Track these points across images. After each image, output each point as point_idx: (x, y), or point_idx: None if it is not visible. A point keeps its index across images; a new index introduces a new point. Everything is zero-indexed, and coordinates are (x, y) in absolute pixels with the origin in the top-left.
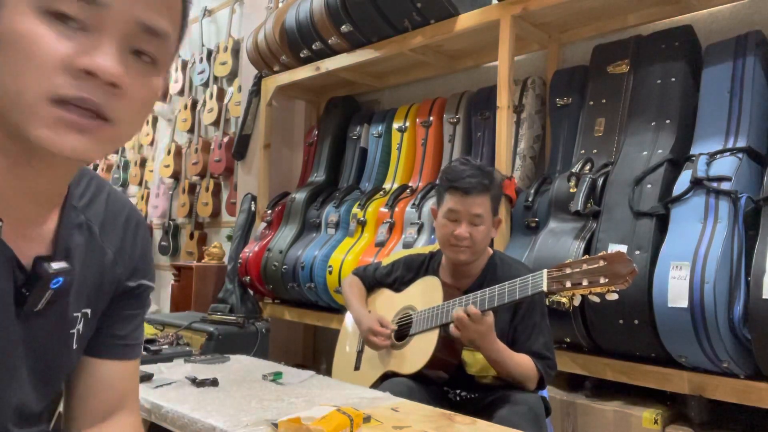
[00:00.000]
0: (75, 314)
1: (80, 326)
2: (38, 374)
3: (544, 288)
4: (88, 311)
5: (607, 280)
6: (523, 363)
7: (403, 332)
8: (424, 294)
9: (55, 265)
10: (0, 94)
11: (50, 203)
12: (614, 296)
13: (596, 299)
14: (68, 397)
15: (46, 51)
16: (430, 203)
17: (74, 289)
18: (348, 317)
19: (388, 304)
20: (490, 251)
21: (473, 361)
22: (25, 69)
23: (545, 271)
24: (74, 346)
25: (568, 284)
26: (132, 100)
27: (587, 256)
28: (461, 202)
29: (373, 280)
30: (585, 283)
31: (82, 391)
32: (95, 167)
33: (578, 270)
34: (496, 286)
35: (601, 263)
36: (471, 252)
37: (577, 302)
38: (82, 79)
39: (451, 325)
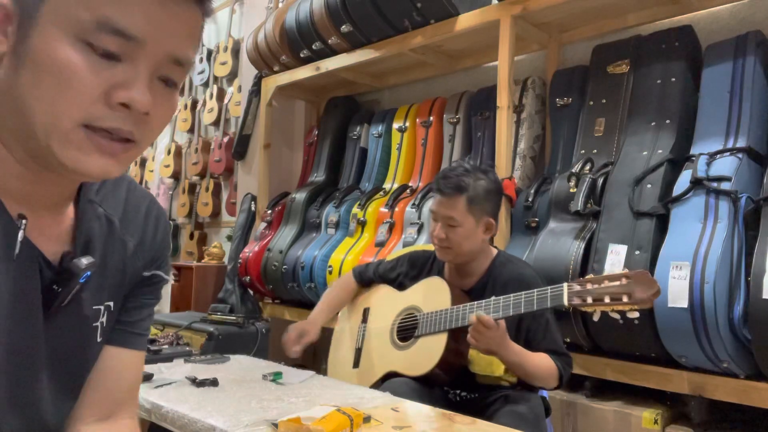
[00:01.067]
0: (97, 307)
1: (104, 319)
2: (63, 370)
3: (565, 302)
4: (111, 304)
5: (629, 299)
6: (541, 363)
7: (407, 333)
8: (429, 295)
9: (85, 260)
10: (30, 115)
11: (66, 201)
12: (636, 314)
13: (617, 316)
14: None
15: (85, 83)
16: (430, 203)
17: (95, 282)
18: (342, 314)
19: (391, 303)
20: (495, 251)
21: (478, 359)
22: (62, 98)
23: (566, 284)
24: (98, 339)
25: (590, 300)
26: (156, 123)
27: (609, 273)
28: (437, 203)
29: (375, 276)
30: (607, 300)
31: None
32: None
33: (600, 286)
34: (512, 294)
35: (624, 281)
36: (453, 253)
37: (597, 318)
38: (117, 110)
39: (468, 335)
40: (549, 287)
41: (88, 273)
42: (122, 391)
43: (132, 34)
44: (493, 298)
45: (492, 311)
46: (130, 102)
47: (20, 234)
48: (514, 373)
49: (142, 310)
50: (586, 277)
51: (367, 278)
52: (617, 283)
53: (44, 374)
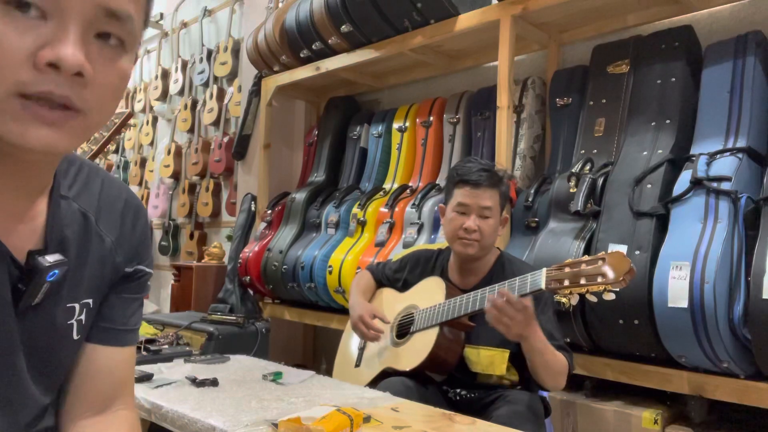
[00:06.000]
0: (72, 305)
1: (82, 317)
2: (39, 368)
3: (542, 286)
4: (90, 301)
5: (603, 279)
6: (556, 354)
7: (404, 331)
8: (427, 293)
9: (50, 258)
10: None
11: (36, 195)
12: (611, 296)
13: (593, 299)
14: (63, 387)
15: (9, 47)
16: (430, 203)
17: (71, 279)
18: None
19: (393, 303)
20: (498, 252)
21: (477, 359)
22: None
23: (545, 269)
24: (75, 336)
25: (566, 282)
26: (100, 87)
27: (587, 256)
28: (471, 194)
29: (383, 276)
30: (583, 282)
31: (78, 378)
32: None
33: (577, 269)
34: (497, 284)
35: (599, 263)
36: (479, 246)
37: (574, 301)
38: (47, 73)
39: (491, 317)
40: (529, 273)
41: (56, 272)
42: (114, 387)
43: None
44: (479, 290)
45: (478, 302)
46: (57, 61)
47: None
48: (535, 361)
49: (130, 306)
50: (565, 261)
51: (377, 278)
52: (593, 265)
53: (25, 370)
